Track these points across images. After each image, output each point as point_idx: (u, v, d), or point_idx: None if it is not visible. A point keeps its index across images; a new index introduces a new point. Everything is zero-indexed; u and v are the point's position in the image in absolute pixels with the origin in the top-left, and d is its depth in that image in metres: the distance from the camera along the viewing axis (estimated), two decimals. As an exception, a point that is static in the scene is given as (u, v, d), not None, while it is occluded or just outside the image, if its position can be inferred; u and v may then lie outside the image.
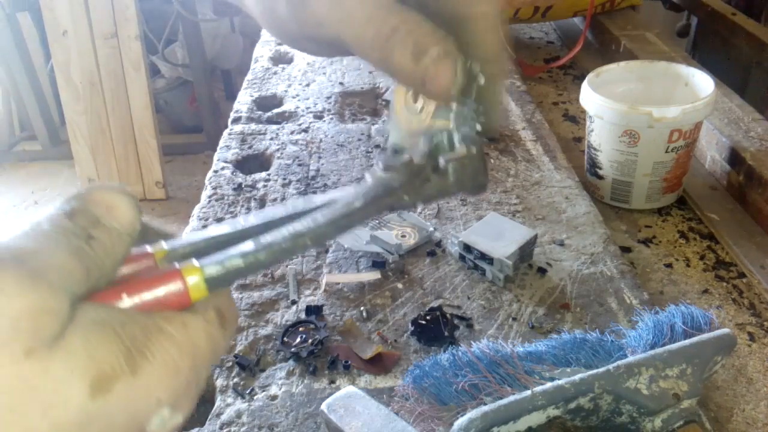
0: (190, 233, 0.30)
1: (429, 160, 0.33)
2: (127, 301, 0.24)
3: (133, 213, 0.25)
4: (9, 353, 0.21)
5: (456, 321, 0.66)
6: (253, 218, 0.30)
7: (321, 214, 0.29)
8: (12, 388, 0.21)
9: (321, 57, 0.41)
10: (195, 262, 0.26)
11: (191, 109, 3.04)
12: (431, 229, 0.78)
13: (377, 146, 0.99)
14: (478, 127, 0.34)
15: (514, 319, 0.67)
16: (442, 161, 0.33)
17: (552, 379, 0.52)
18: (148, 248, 0.27)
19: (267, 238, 0.28)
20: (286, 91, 1.16)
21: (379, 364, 0.62)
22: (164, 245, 0.28)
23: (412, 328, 0.65)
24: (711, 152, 0.94)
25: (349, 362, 0.62)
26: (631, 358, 0.53)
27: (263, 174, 0.93)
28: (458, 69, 0.33)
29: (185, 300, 0.25)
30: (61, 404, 0.21)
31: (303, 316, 0.68)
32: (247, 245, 0.27)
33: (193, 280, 0.26)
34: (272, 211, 0.31)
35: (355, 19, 0.32)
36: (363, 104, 1.13)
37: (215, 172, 0.94)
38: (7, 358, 0.20)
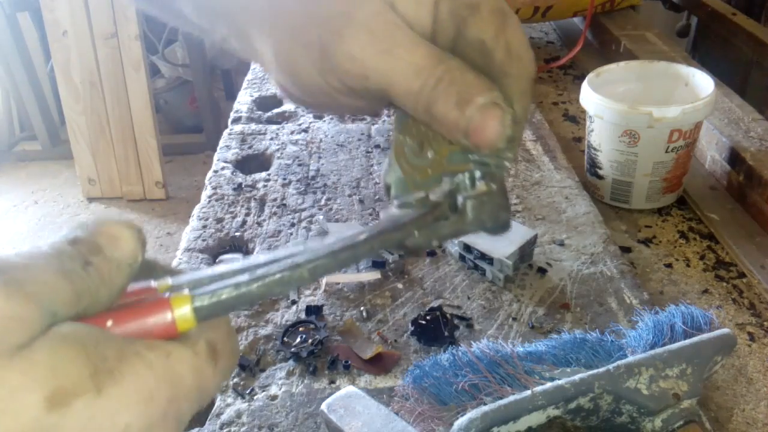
0: (197, 270, 0.29)
1: (447, 197, 0.32)
2: (111, 327, 0.24)
3: (136, 245, 0.25)
4: None
5: (456, 321, 0.66)
6: (264, 257, 0.29)
7: (322, 247, 0.28)
8: None
9: (341, 114, 0.38)
10: (186, 291, 0.26)
11: (191, 109, 3.04)
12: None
13: (377, 146, 0.99)
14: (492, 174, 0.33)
15: (514, 319, 0.67)
16: (460, 199, 0.32)
17: (552, 379, 0.52)
18: (153, 283, 0.27)
19: (263, 269, 0.27)
20: (286, 91, 1.16)
21: (379, 364, 0.62)
22: (169, 281, 0.27)
23: (412, 328, 0.65)
24: (711, 152, 0.94)
25: (349, 362, 0.62)
26: (631, 358, 0.53)
27: (263, 174, 0.93)
28: (507, 121, 0.31)
29: (172, 330, 0.25)
30: (12, 412, 0.21)
31: (303, 316, 0.68)
32: (242, 276, 0.27)
33: (181, 310, 0.25)
34: (284, 251, 0.29)
35: (405, 69, 0.31)
36: (363, 104, 1.13)
37: (215, 172, 0.94)
38: None
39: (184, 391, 0.24)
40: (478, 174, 0.32)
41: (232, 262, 0.29)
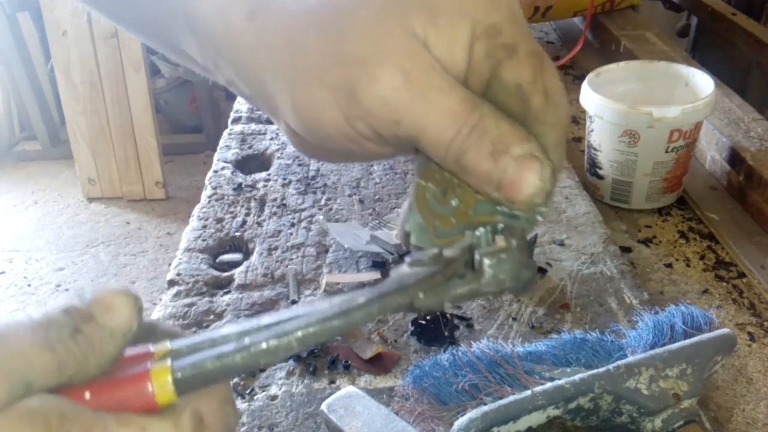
0: (199, 333, 0.29)
1: (462, 253, 0.29)
2: (89, 399, 0.24)
3: (131, 313, 0.25)
4: None
5: (456, 321, 0.66)
6: (267, 319, 0.28)
7: (315, 312, 0.26)
8: None
9: (358, 162, 0.35)
10: (168, 362, 0.25)
11: (191, 109, 3.04)
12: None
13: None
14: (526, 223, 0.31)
15: (514, 319, 0.67)
16: (476, 255, 0.29)
17: (552, 379, 0.52)
18: (151, 347, 0.27)
19: (251, 338, 0.26)
20: (286, 91, 1.16)
21: (379, 364, 0.62)
22: (168, 345, 0.27)
23: (412, 328, 0.65)
24: (711, 152, 0.94)
25: (349, 362, 0.62)
26: (631, 358, 0.53)
27: (263, 174, 0.93)
28: (546, 174, 0.29)
29: (152, 403, 0.24)
30: None
31: (303, 316, 0.68)
32: (228, 345, 0.26)
33: (161, 382, 0.24)
34: (289, 312, 0.28)
35: (439, 115, 0.29)
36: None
37: (215, 172, 0.94)
38: None
39: None
40: (499, 227, 0.30)
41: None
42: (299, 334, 0.26)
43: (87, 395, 0.24)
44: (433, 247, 0.31)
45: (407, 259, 0.29)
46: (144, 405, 0.24)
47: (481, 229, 0.30)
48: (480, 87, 0.30)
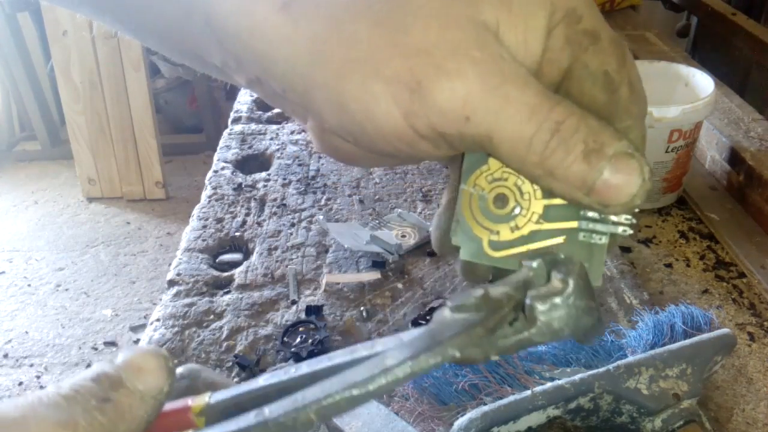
0: (240, 384, 0.28)
1: (514, 292, 0.25)
2: None
3: (161, 375, 0.25)
4: None
5: (456, 321, 0.66)
6: (306, 367, 0.27)
7: (336, 380, 0.24)
8: None
9: (398, 165, 0.31)
10: None
11: (191, 109, 3.05)
12: (431, 229, 0.78)
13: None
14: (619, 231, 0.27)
15: (514, 319, 0.66)
16: (528, 299, 0.25)
17: (552, 379, 0.52)
18: (189, 402, 0.26)
19: (272, 408, 0.25)
20: (286, 91, 1.16)
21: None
22: (207, 398, 0.26)
23: (412, 328, 0.65)
24: (711, 152, 0.94)
25: (349, 362, 0.62)
26: (631, 358, 0.53)
27: (263, 174, 0.93)
28: (646, 173, 0.25)
29: None
30: None
31: (303, 316, 0.68)
32: (247, 419, 0.25)
33: None
34: (328, 358, 0.27)
35: (516, 110, 0.26)
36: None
37: (215, 172, 0.94)
38: None
39: None
40: (560, 257, 0.27)
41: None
42: (317, 406, 0.24)
43: None
44: (486, 262, 0.29)
45: (449, 303, 0.25)
46: None
47: (540, 261, 0.26)
48: (555, 79, 0.28)
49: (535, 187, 0.28)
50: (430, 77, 0.26)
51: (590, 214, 0.27)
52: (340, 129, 0.29)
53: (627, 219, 0.27)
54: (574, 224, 0.27)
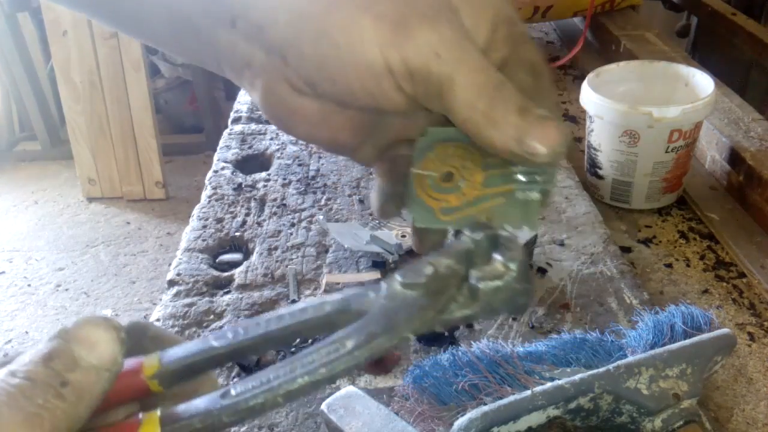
0: (188, 344, 0.29)
1: (458, 269, 0.29)
2: None
3: (115, 349, 0.25)
4: None
5: (456, 321, 0.66)
6: (254, 328, 0.29)
7: (300, 362, 0.26)
8: None
9: (334, 138, 0.34)
10: (157, 413, 0.26)
11: (191, 109, 3.05)
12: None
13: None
14: (537, 196, 0.31)
15: (514, 319, 0.67)
16: (473, 280, 0.28)
17: (552, 379, 0.52)
18: (143, 360, 0.27)
19: (237, 388, 0.26)
20: (286, 91, 1.16)
21: (379, 364, 0.62)
22: (158, 360, 0.28)
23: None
24: (711, 152, 0.94)
25: (349, 362, 0.62)
26: (631, 358, 0.53)
27: (263, 174, 0.93)
28: (563, 133, 0.30)
29: None
30: None
31: (303, 316, 0.68)
32: (213, 400, 0.26)
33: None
34: (267, 322, 0.29)
35: (473, 66, 0.30)
36: (363, 104, 1.13)
37: (215, 172, 0.94)
38: None
39: None
40: (498, 256, 0.29)
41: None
42: (284, 390, 0.26)
43: None
44: (439, 225, 0.33)
45: (399, 278, 0.29)
46: None
47: (482, 236, 0.30)
48: (495, 64, 0.32)
49: (476, 163, 0.33)
50: (414, 18, 0.30)
51: (522, 178, 0.32)
52: (312, 66, 0.32)
53: (550, 178, 0.32)
54: (510, 187, 0.32)
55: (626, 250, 0.80)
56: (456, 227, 0.32)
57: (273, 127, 1.04)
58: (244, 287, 0.72)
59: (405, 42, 0.30)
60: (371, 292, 0.29)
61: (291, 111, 0.34)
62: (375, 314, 0.28)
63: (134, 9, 0.35)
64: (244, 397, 0.26)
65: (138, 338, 0.28)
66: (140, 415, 0.26)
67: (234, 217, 0.84)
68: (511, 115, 0.30)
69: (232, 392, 0.26)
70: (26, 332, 2.16)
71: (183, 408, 0.26)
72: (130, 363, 0.27)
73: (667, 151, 0.81)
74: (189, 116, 3.07)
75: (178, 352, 0.28)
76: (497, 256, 0.29)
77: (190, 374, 0.28)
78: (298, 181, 0.91)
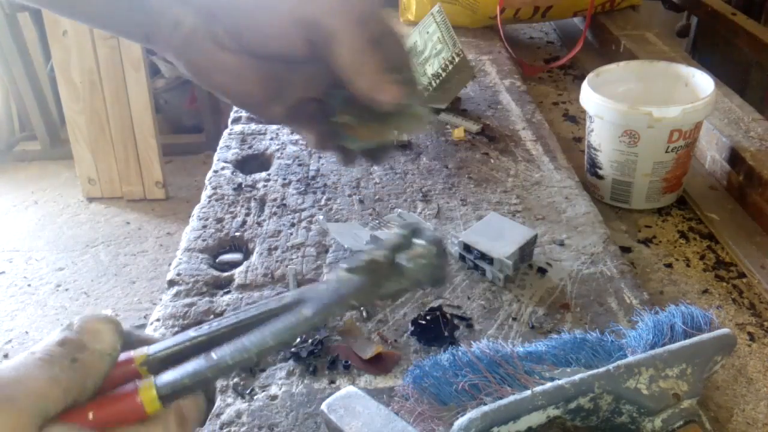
0: (171, 338, 0.34)
1: (389, 255, 0.37)
2: (92, 418, 0.30)
3: (114, 337, 0.32)
4: None
5: (456, 321, 0.66)
6: (226, 321, 0.35)
7: (269, 329, 0.33)
8: None
9: (263, 104, 0.43)
10: (152, 379, 0.31)
11: (191, 109, 3.04)
12: (431, 229, 0.78)
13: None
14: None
15: (514, 319, 0.67)
16: (400, 259, 0.37)
17: (552, 379, 0.52)
18: (132, 353, 0.33)
19: (218, 353, 0.32)
20: (286, 91, 1.16)
21: (379, 364, 0.62)
22: (147, 350, 0.33)
23: (412, 328, 0.65)
24: (711, 152, 0.94)
25: (349, 362, 0.62)
26: (631, 358, 0.53)
27: (263, 174, 0.93)
28: (404, 92, 0.42)
29: (142, 414, 0.31)
30: None
31: (303, 316, 0.68)
32: (199, 363, 0.32)
33: (148, 397, 0.31)
34: (237, 314, 0.36)
35: (355, 26, 0.40)
36: (363, 104, 1.13)
37: (215, 172, 0.94)
38: None
39: None
40: (420, 241, 0.38)
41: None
42: (257, 350, 0.33)
43: (90, 415, 0.30)
44: (366, 145, 0.46)
45: (343, 265, 0.36)
46: (137, 416, 0.30)
47: (408, 232, 0.38)
48: (371, 36, 0.42)
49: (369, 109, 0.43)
50: None
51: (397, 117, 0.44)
52: (238, 20, 0.41)
53: (422, 111, 0.44)
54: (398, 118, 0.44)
55: (626, 250, 0.80)
56: (373, 144, 0.46)
57: (273, 127, 1.04)
58: (244, 287, 0.72)
59: (309, 2, 0.40)
60: (322, 285, 0.36)
61: (213, 64, 0.42)
62: (327, 290, 0.35)
63: None
64: (224, 358, 0.32)
65: (128, 338, 0.34)
66: (138, 382, 0.31)
67: (234, 217, 0.84)
68: (372, 74, 0.41)
69: (214, 356, 0.32)
70: (26, 332, 2.16)
71: (173, 372, 0.32)
72: (122, 356, 0.32)
73: (667, 151, 0.81)
74: (189, 116, 3.07)
75: (162, 344, 0.34)
76: (418, 241, 0.37)
77: (173, 361, 0.33)
78: (298, 181, 0.91)
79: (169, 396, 0.31)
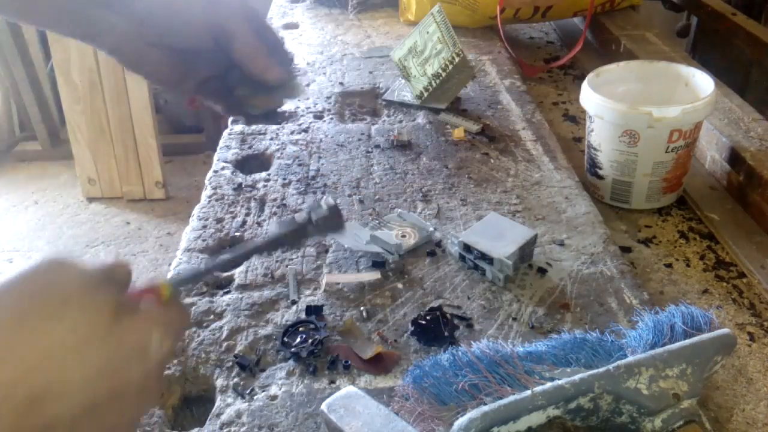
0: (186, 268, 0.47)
1: (308, 216, 0.52)
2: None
3: (129, 268, 0.42)
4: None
5: (456, 321, 0.66)
6: (231, 251, 0.49)
7: (231, 251, 0.49)
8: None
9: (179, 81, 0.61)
10: (167, 278, 0.45)
11: (191, 109, 3.04)
12: (431, 229, 0.78)
13: (377, 146, 0.99)
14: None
15: (514, 319, 0.67)
16: (314, 217, 0.52)
17: (552, 379, 0.52)
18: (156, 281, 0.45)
19: (225, 254, 0.48)
20: (286, 91, 1.16)
21: (379, 364, 0.62)
22: (167, 278, 0.46)
23: (412, 328, 0.65)
24: (711, 152, 0.94)
25: (349, 362, 0.62)
26: (631, 358, 0.53)
27: (263, 174, 0.93)
28: (286, 71, 0.60)
29: (162, 299, 0.43)
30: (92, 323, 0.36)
31: (303, 316, 0.68)
32: (209, 261, 0.44)
33: (164, 290, 0.43)
34: (236, 248, 0.50)
35: (246, 27, 0.57)
36: (363, 104, 1.13)
37: (215, 172, 0.94)
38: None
39: (171, 321, 0.41)
40: (323, 203, 0.53)
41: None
42: (253, 252, 0.50)
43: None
44: (259, 108, 0.62)
45: (276, 220, 0.54)
46: (159, 301, 0.43)
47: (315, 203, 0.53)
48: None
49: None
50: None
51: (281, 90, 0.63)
52: (161, 24, 0.56)
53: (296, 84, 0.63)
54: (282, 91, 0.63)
55: (626, 250, 0.80)
56: (268, 110, 0.63)
57: (273, 127, 1.05)
58: (244, 287, 0.72)
59: (215, 9, 0.56)
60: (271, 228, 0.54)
61: (141, 57, 0.57)
62: (271, 234, 0.51)
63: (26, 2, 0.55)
64: (231, 254, 0.48)
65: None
66: (158, 282, 0.43)
67: (234, 217, 0.84)
68: (261, 59, 0.57)
69: (221, 257, 0.48)
70: (26, 332, 2.15)
71: (187, 267, 0.46)
72: (149, 282, 0.43)
73: (667, 151, 0.81)
74: (189, 116, 3.07)
75: (178, 276, 0.48)
76: (323, 205, 0.53)
77: (187, 283, 0.54)
78: (298, 181, 0.91)
79: (175, 284, 0.44)
